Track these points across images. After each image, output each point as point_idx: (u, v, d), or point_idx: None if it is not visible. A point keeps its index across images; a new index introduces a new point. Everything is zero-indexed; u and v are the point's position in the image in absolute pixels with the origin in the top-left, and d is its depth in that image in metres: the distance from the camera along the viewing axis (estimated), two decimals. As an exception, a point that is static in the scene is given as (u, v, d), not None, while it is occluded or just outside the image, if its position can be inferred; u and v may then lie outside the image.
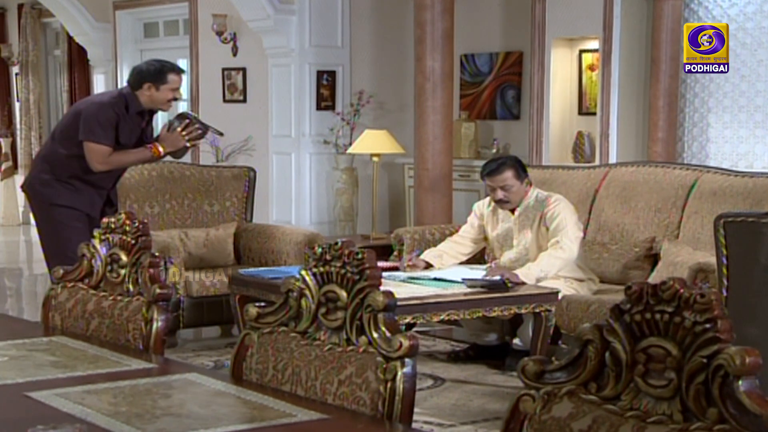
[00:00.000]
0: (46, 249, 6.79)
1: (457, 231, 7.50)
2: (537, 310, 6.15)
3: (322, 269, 2.90)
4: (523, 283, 6.32)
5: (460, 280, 6.31)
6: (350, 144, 9.86)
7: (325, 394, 2.79)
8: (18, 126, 15.10)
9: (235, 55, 11.23)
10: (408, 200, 10.12)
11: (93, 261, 3.62)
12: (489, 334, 7.08)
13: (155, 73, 6.72)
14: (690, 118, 8.85)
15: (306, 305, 2.93)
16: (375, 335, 2.75)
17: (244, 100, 11.20)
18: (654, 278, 6.75)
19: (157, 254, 3.46)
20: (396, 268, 6.87)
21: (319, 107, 10.56)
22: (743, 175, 6.78)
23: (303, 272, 2.93)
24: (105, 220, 3.63)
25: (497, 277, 6.27)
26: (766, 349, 4.55)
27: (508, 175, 6.66)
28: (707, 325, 2.13)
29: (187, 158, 11.41)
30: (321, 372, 2.82)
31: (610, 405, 2.26)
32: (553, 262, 6.41)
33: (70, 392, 2.73)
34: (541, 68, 9.26)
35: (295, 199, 10.60)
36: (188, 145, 6.88)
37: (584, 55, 9.37)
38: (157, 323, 3.35)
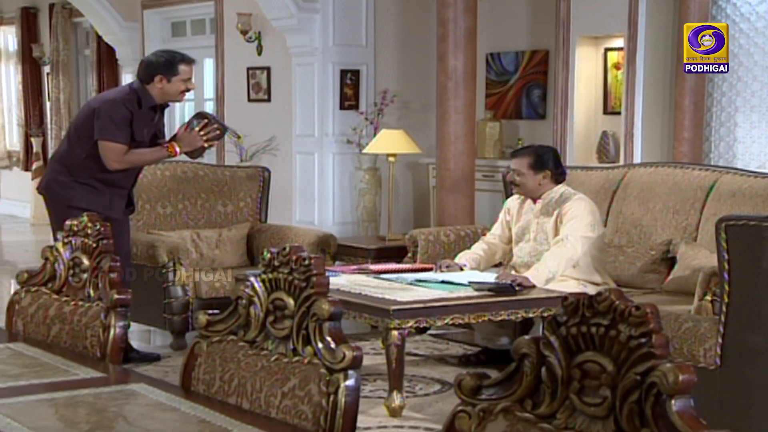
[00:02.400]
0: None
1: (478, 232, 7.39)
2: (545, 314, 6.00)
3: (270, 275, 2.78)
4: (534, 286, 6.18)
5: (466, 283, 6.17)
6: (374, 144, 9.74)
7: (269, 407, 2.67)
8: (49, 126, 15.10)
9: (259, 54, 11.13)
10: (432, 201, 9.99)
11: (56, 265, 3.52)
12: (501, 338, 6.95)
13: (165, 64, 6.61)
14: (717, 117, 8.65)
15: (254, 313, 2.81)
16: (320, 345, 2.63)
17: (269, 100, 11.10)
18: (670, 282, 6.59)
19: (117, 258, 3.34)
20: (429, 269, 6.75)
21: (342, 107, 10.44)
22: (763, 177, 6.59)
23: (252, 278, 2.81)
24: (68, 222, 3.52)
25: (508, 281, 6.13)
26: (770, 358, 4.41)
27: (523, 163, 6.63)
28: (642, 340, 1.99)
29: (210, 158, 11.37)
30: (266, 384, 2.70)
31: (545, 424, 2.13)
32: (558, 261, 6.26)
33: (4, 404, 2.63)
34: (565, 67, 9.10)
35: (318, 199, 10.48)
36: (206, 145, 6.78)
37: (609, 54, 9.20)
38: (115, 330, 3.24)
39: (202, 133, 6.68)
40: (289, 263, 2.73)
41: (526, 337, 2.19)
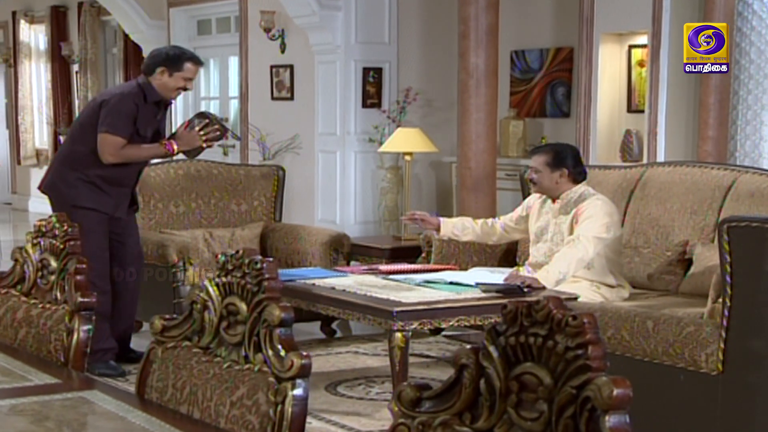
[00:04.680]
0: None
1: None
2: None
3: (224, 279, 2.68)
4: (544, 288, 6.05)
5: (474, 284, 6.06)
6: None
7: (219, 416, 2.57)
8: (77, 124, 15.11)
9: (283, 52, 11.05)
10: (454, 200, 9.88)
11: (25, 266, 3.44)
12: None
13: (172, 58, 6.57)
14: (743, 115, 8.47)
15: (209, 319, 2.71)
16: (270, 353, 2.53)
17: (291, 98, 11.01)
18: (686, 284, 6.45)
19: (84, 260, 3.25)
20: (440, 270, 6.66)
21: (365, 105, 10.33)
22: (783, 176, 6.43)
23: (207, 282, 2.71)
24: (37, 223, 3.44)
25: (516, 283, 6.01)
26: (773, 364, 4.26)
27: (540, 160, 6.54)
28: (579, 351, 1.88)
29: (234, 157, 11.31)
30: (216, 392, 2.61)
31: (483, 439, 2.01)
32: (569, 262, 6.12)
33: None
34: (589, 64, 8.97)
35: (340, 198, 10.38)
36: (204, 145, 6.70)
37: (633, 51, 9.05)
38: (79, 334, 3.15)
39: (201, 132, 6.61)
40: (242, 267, 2.63)
41: (467, 346, 2.08)
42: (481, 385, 2.03)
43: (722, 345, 4.31)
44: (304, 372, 2.47)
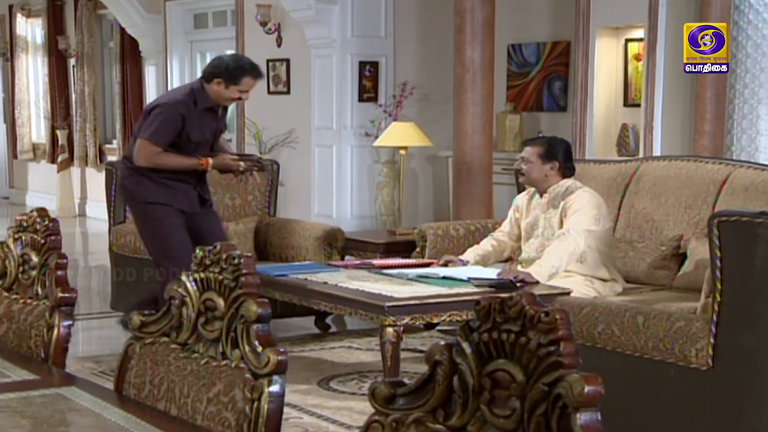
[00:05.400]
0: (148, 247, 6.76)
1: (488, 227, 7.26)
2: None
3: (202, 275, 2.65)
4: (537, 282, 6.03)
5: (467, 279, 6.03)
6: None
7: (195, 413, 2.55)
8: (74, 118, 15.08)
9: (279, 46, 11.02)
10: (450, 195, 9.84)
11: (7, 261, 3.41)
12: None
13: (233, 71, 6.60)
14: (739, 109, 8.43)
15: (186, 315, 2.69)
16: (247, 349, 2.50)
17: (288, 92, 10.99)
18: (680, 278, 6.42)
19: (65, 255, 3.23)
20: (429, 264, 6.64)
21: (361, 99, 10.30)
22: (778, 170, 6.40)
23: (185, 278, 2.69)
24: (18, 217, 3.42)
25: (509, 277, 5.98)
26: (764, 359, 4.23)
27: (533, 152, 6.53)
28: (551, 348, 1.85)
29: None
30: (193, 389, 2.58)
31: (456, 436, 1.99)
32: (560, 255, 6.10)
33: None
34: (585, 58, 8.93)
35: (337, 192, 10.36)
36: (239, 169, 6.69)
37: (630, 45, 9.01)
38: (59, 330, 3.12)
39: (241, 162, 6.64)
40: (220, 262, 2.60)
41: (441, 342, 2.06)
42: (455, 381, 2.00)
43: (712, 340, 4.29)
44: (281, 368, 2.44)
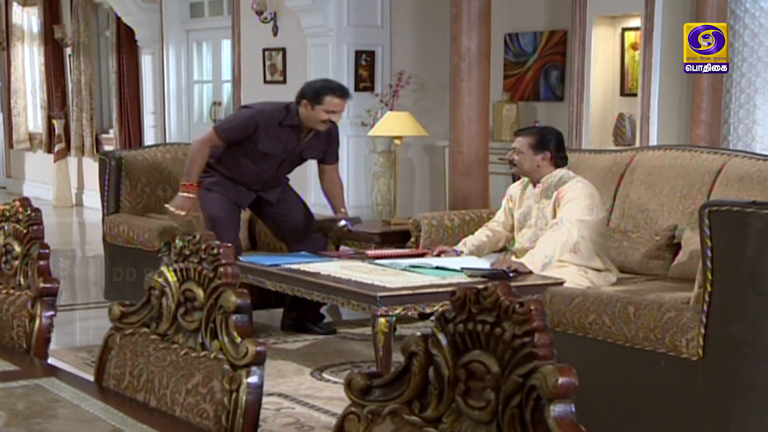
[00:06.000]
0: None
1: (484, 217, 7.23)
2: (539, 302, 5.80)
3: (182, 265, 2.63)
4: (531, 273, 6.01)
5: (460, 269, 6.01)
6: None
7: (174, 404, 2.53)
8: (70, 108, 15.03)
9: (275, 35, 10.98)
10: (447, 185, 9.81)
11: (-11, 252, 3.39)
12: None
13: (314, 91, 6.77)
14: (736, 99, 8.40)
15: (166, 305, 2.66)
16: (225, 340, 2.48)
17: (284, 81, 10.95)
18: (674, 268, 6.40)
19: (48, 245, 3.20)
20: (422, 255, 6.62)
21: (357, 88, 10.26)
22: (773, 160, 6.36)
23: (164, 268, 2.66)
24: (0, 207, 3.39)
25: (502, 267, 5.96)
26: (755, 349, 4.21)
27: (524, 142, 6.51)
28: (525, 339, 1.82)
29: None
30: (172, 380, 2.56)
31: (431, 428, 1.97)
32: (554, 245, 6.08)
33: None
34: (582, 47, 8.89)
35: (333, 182, 10.31)
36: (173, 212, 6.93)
37: (627, 34, 8.97)
38: (41, 320, 3.10)
39: (181, 213, 6.87)
40: (199, 252, 2.58)
41: (417, 333, 2.03)
42: (430, 373, 1.99)
43: (703, 330, 4.27)
44: (259, 359, 2.42)
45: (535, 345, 1.81)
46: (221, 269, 2.52)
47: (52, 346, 7.08)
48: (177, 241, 2.64)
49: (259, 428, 5.33)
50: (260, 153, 6.80)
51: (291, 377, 6.27)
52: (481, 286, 1.92)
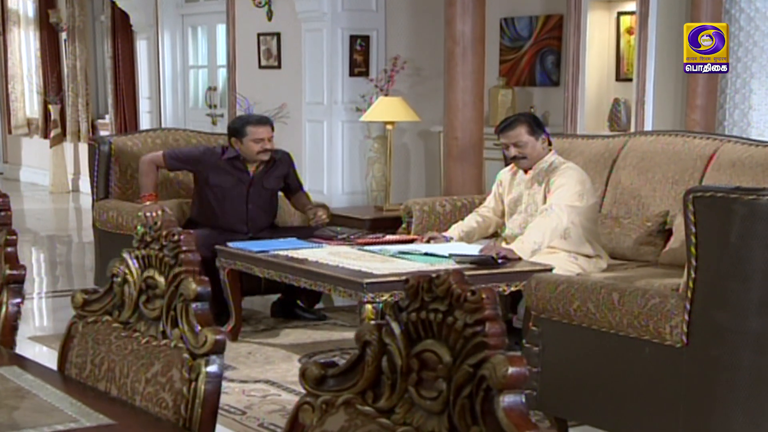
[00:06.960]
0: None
1: (475, 203, 7.18)
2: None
3: (143, 252, 2.59)
4: (520, 259, 5.95)
5: (448, 255, 5.96)
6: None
7: (135, 394, 2.49)
8: (66, 93, 14.98)
9: (270, 19, 10.92)
10: (441, 170, 9.75)
11: (-41, 239, 3.33)
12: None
13: (235, 128, 7.07)
14: (732, 84, 8.33)
15: (128, 293, 2.62)
16: (185, 328, 2.43)
17: (279, 66, 10.90)
18: (665, 254, 6.35)
19: (15, 231, 3.15)
20: (412, 241, 6.57)
21: (352, 73, 10.20)
22: (765, 145, 6.30)
23: (126, 255, 2.62)
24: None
25: (491, 254, 5.91)
26: (737, 336, 4.16)
27: (521, 131, 6.35)
28: (477, 328, 1.77)
29: (223, 126, 11.19)
30: (132, 369, 2.52)
31: (384, 419, 1.93)
32: (543, 231, 6.01)
33: None
34: (577, 32, 8.82)
35: (327, 168, 10.28)
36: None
37: (622, 18, 8.92)
38: (7, 308, 3.05)
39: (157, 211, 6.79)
40: (160, 239, 2.53)
41: (372, 322, 1.99)
42: (384, 362, 1.94)
43: (686, 317, 4.21)
44: (218, 348, 2.38)
45: (486, 334, 1.76)
46: (182, 256, 2.47)
47: (45, 332, 7.07)
48: (138, 227, 2.59)
49: (245, 415, 5.29)
50: (215, 187, 7.01)
51: (279, 364, 6.23)
52: (434, 275, 1.87)
